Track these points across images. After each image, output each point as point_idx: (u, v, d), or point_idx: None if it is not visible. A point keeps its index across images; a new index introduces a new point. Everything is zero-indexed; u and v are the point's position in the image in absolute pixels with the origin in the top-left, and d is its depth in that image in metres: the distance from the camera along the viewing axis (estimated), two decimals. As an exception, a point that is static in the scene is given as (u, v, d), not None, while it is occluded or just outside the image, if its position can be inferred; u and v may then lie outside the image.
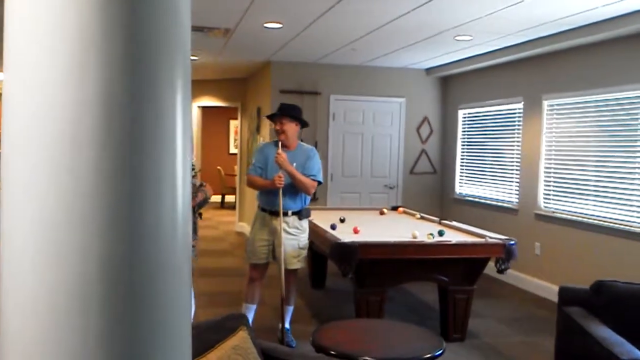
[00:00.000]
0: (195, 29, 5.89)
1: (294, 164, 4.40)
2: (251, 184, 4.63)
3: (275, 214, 4.43)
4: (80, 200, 1.12)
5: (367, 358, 2.66)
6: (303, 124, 4.63)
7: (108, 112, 1.11)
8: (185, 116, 1.26)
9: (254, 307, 4.63)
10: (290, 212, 4.44)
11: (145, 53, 1.15)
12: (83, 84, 1.10)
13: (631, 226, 5.19)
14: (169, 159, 1.22)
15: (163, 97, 1.19)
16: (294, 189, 4.42)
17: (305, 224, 4.58)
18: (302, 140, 4.79)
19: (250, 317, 4.54)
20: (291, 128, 4.50)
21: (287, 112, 4.53)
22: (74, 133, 1.10)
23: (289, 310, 4.63)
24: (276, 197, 4.37)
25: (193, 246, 3.80)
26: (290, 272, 4.52)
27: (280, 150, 4.35)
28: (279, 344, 3.22)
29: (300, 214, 4.50)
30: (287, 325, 4.58)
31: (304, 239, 4.55)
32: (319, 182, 4.51)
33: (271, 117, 4.66)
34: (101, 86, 1.11)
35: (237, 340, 2.32)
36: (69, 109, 1.09)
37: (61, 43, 1.08)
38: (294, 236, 4.45)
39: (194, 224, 3.82)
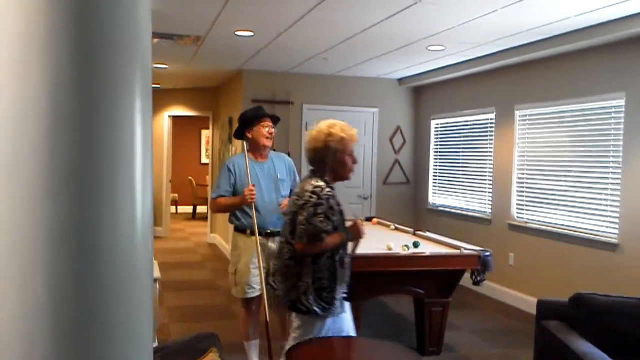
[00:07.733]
0: (165, 36, 5.75)
1: (278, 175, 3.98)
2: (219, 209, 4.07)
3: (271, 235, 3.90)
4: (23, 210, 1.01)
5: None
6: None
7: (55, 115, 1.01)
8: (146, 124, 1.17)
9: (257, 342, 4.08)
10: (276, 231, 3.87)
11: (98, 55, 1.05)
12: (27, 85, 0.99)
13: (603, 236, 5.19)
14: (127, 166, 1.13)
15: (118, 101, 1.09)
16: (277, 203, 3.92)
17: None
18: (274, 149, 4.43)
19: (256, 355, 4.07)
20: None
21: (270, 115, 4.02)
22: (17, 136, 0.99)
23: None
24: (272, 214, 3.87)
25: None
26: None
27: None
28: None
29: None
30: None
31: None
32: None
33: (258, 118, 3.95)
34: (47, 88, 1.00)
35: (206, 362, 2.20)
36: (12, 110, 0.99)
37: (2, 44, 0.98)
38: None
39: None
